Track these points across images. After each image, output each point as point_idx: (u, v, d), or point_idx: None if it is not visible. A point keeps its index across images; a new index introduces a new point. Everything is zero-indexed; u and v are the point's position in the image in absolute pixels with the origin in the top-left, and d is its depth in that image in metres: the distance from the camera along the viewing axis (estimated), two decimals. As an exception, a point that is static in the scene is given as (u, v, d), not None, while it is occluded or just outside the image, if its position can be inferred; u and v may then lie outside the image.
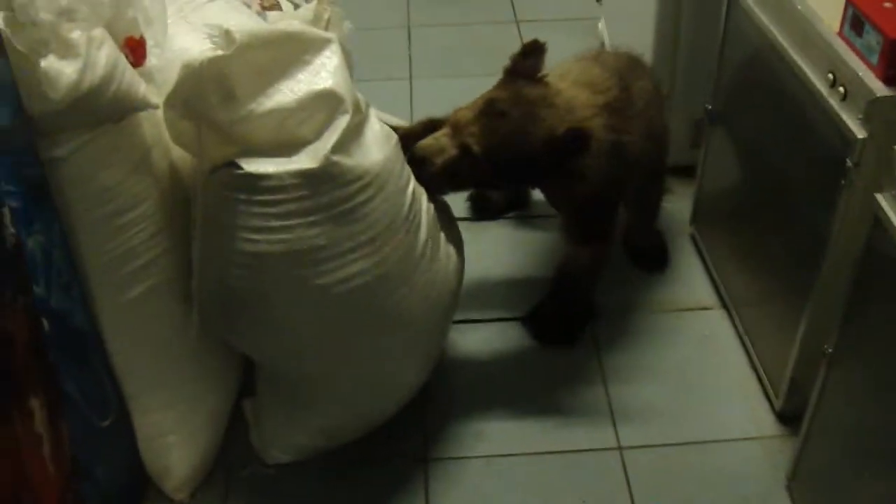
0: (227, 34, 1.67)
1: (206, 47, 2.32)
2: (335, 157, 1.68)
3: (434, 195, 2.00)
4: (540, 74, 2.05)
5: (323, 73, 1.72)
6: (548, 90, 2.03)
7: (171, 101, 1.70)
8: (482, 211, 2.83)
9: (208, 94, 1.67)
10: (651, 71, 2.45)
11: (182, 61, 1.68)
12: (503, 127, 1.95)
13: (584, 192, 2.09)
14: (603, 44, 3.37)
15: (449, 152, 1.94)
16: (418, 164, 1.92)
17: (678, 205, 2.78)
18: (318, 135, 1.70)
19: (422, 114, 2.35)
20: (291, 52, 1.73)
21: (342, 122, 1.70)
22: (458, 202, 2.16)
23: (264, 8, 3.11)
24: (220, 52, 1.66)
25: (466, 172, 1.97)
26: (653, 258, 2.65)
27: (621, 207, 2.39)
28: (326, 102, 1.71)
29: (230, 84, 1.68)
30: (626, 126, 2.13)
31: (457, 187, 2.13)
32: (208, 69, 1.66)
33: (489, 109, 1.96)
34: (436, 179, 1.96)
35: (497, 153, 1.95)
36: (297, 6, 3.24)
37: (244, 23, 2.56)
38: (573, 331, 2.43)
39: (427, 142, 1.96)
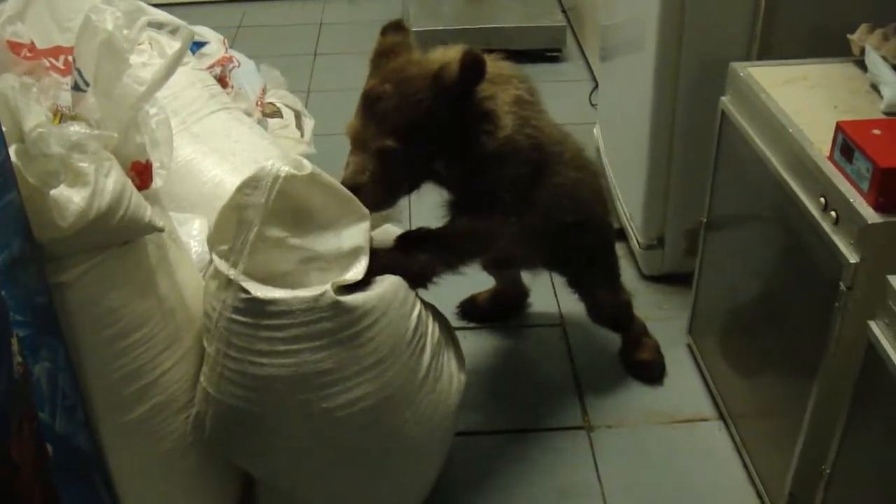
0: (300, 162, 1.74)
1: (207, 160, 2.40)
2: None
3: (379, 209, 1.98)
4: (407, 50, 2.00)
5: (358, 236, 1.81)
6: (414, 54, 1.99)
7: (237, 197, 1.76)
8: (470, 316, 2.86)
9: (273, 204, 1.72)
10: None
11: (261, 166, 1.74)
12: (387, 105, 1.89)
13: (491, 147, 1.96)
14: (598, 149, 3.44)
15: (369, 165, 1.90)
16: (352, 193, 1.86)
17: (675, 314, 2.81)
18: (326, 283, 1.75)
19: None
20: (338, 208, 1.80)
21: (356, 272, 1.77)
22: (445, 308, 2.17)
23: (265, 115, 3.18)
24: (295, 172, 1.72)
25: (395, 169, 1.92)
26: (648, 368, 2.65)
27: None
28: (349, 258, 1.78)
29: (290, 205, 1.74)
30: (532, 110, 2.06)
31: (396, 189, 2.01)
32: (283, 182, 1.71)
33: (368, 104, 1.92)
34: (376, 195, 1.92)
35: (401, 130, 1.89)
36: (297, 113, 3.31)
37: (245, 133, 2.62)
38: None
39: (346, 172, 1.91)
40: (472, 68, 1.86)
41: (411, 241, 1.98)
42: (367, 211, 1.84)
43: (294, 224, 1.75)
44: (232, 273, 1.77)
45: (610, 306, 2.52)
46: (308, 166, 1.73)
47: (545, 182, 2.12)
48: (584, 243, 2.36)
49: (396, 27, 2.02)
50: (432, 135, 1.92)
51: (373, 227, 1.94)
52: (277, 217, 1.73)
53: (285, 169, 1.71)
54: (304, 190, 1.74)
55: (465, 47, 1.88)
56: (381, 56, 1.99)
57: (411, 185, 2.04)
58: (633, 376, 2.65)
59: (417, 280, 1.95)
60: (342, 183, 1.85)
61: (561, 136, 2.22)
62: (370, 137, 1.90)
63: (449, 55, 1.92)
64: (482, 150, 1.96)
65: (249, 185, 1.74)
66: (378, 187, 1.91)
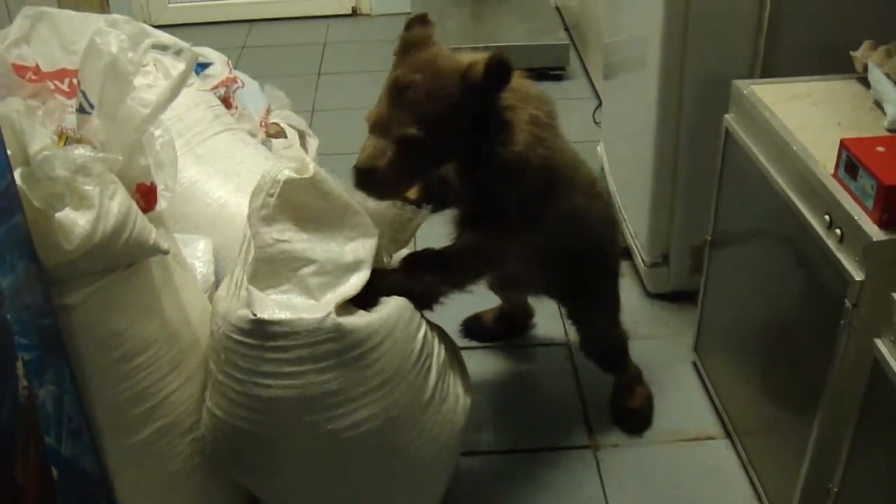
0: (304, 162, 1.76)
1: (212, 181, 2.41)
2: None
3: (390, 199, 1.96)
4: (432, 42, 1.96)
5: (361, 251, 1.80)
6: (443, 49, 1.96)
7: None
8: (474, 334, 2.85)
9: (272, 209, 1.75)
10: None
11: (266, 170, 1.78)
12: (416, 94, 1.85)
13: (501, 160, 1.93)
14: (602, 167, 3.44)
15: (388, 150, 1.84)
16: (366, 177, 1.84)
17: (680, 331, 2.81)
18: (323, 294, 1.75)
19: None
20: (341, 215, 1.80)
21: (351, 285, 1.76)
22: (449, 326, 2.17)
23: (269, 136, 3.19)
24: (295, 175, 1.74)
25: (412, 160, 1.87)
26: (634, 416, 2.58)
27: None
28: (348, 270, 1.78)
29: (292, 209, 1.76)
30: (549, 132, 2.04)
31: (406, 180, 1.96)
32: (283, 186, 1.74)
33: (395, 92, 1.87)
34: (388, 183, 1.87)
35: (427, 120, 1.85)
36: (301, 133, 3.32)
37: (250, 154, 2.62)
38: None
39: (363, 154, 1.85)
40: (497, 70, 1.84)
41: (416, 262, 1.98)
42: (375, 229, 1.84)
43: (294, 230, 1.76)
44: (237, 290, 1.77)
45: (604, 341, 2.48)
46: (311, 169, 1.74)
47: (554, 205, 2.09)
48: (589, 272, 2.33)
49: (422, 20, 2.00)
50: (454, 131, 1.90)
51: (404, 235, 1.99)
52: (277, 221, 1.74)
53: (285, 172, 1.72)
54: (307, 195, 1.75)
55: (493, 52, 1.87)
56: (407, 49, 1.96)
57: (418, 181, 2.03)
58: (617, 423, 2.57)
59: (423, 301, 1.95)
60: (356, 166, 1.83)
61: (576, 163, 2.20)
62: (395, 123, 1.85)
63: (478, 56, 1.90)
64: (493, 162, 1.94)
65: (255, 190, 1.77)
66: (392, 175, 1.86)
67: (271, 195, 1.74)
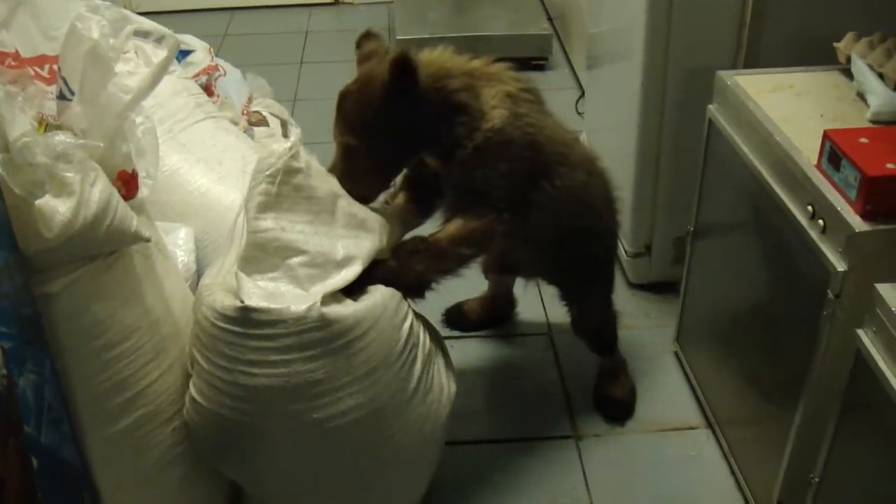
0: (297, 151, 1.80)
1: (194, 169, 2.39)
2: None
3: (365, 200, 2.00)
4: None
5: (353, 248, 1.82)
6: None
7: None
8: (456, 324, 2.85)
9: (274, 195, 1.75)
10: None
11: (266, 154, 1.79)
12: (348, 103, 1.97)
13: (479, 139, 1.96)
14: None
15: (337, 161, 1.98)
16: None
17: (662, 322, 2.81)
18: (311, 285, 1.74)
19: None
20: (332, 210, 1.83)
21: (339, 280, 1.76)
22: (430, 316, 2.16)
23: (251, 124, 3.17)
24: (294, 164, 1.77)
25: (363, 165, 1.97)
26: (616, 406, 2.58)
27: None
28: (340, 266, 1.78)
29: (287, 197, 1.77)
30: (530, 109, 2.07)
31: (370, 182, 2.03)
32: (284, 174, 1.76)
33: (340, 102, 1.99)
34: (350, 188, 1.93)
35: (357, 127, 1.96)
36: (283, 122, 3.30)
37: (232, 142, 2.61)
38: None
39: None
40: (400, 68, 1.89)
41: (406, 251, 1.97)
42: (376, 229, 1.87)
43: (289, 219, 1.76)
44: (224, 278, 1.76)
45: (597, 321, 2.49)
46: (302, 161, 1.77)
47: (547, 183, 2.09)
48: (589, 250, 2.33)
49: (369, 36, 2.11)
50: (390, 133, 1.97)
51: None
52: (272, 209, 1.74)
53: (286, 158, 1.74)
54: (306, 184, 1.77)
55: (396, 50, 1.93)
56: (361, 62, 2.07)
57: (390, 177, 2.10)
58: (600, 411, 2.57)
59: (415, 290, 1.96)
60: None
61: (568, 139, 2.20)
62: (337, 134, 1.98)
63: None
64: (470, 144, 1.97)
65: (253, 173, 1.77)
66: (349, 180, 1.94)
67: (271, 182, 1.73)
